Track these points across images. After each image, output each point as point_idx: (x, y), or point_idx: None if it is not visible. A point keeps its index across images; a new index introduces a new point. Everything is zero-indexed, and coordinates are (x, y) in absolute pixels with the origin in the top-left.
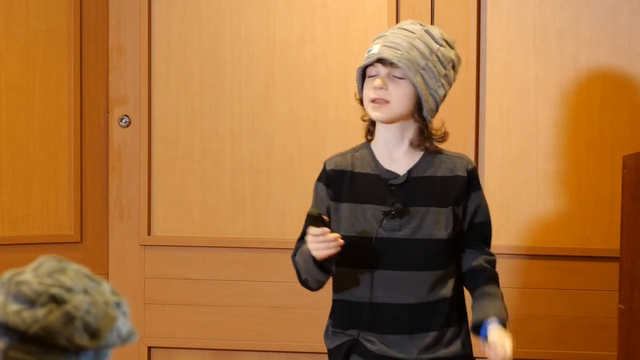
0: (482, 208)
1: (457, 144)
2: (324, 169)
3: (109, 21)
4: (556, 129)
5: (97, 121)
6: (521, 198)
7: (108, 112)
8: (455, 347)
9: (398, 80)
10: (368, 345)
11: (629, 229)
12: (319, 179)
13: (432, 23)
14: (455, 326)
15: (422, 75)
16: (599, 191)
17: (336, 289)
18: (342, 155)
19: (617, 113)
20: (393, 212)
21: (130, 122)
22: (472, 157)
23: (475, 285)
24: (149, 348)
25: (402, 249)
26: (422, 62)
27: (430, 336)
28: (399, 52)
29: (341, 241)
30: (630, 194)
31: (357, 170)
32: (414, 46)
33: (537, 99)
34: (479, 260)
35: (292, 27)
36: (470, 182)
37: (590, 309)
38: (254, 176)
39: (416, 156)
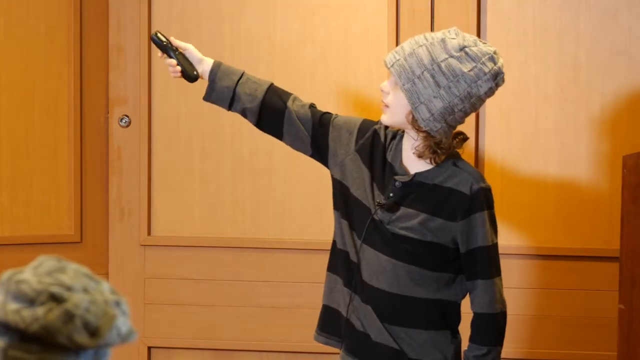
0: (482, 232)
1: None
2: (375, 126)
3: (109, 21)
4: (556, 129)
5: (97, 121)
6: (521, 198)
7: (108, 112)
8: (424, 349)
9: (398, 86)
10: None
11: (629, 229)
12: (366, 121)
13: (432, 23)
14: (430, 330)
15: (414, 84)
16: (599, 191)
17: (335, 236)
18: (391, 131)
19: (617, 113)
20: (384, 205)
21: (130, 122)
22: (472, 158)
23: (470, 337)
24: (149, 348)
25: (390, 239)
26: (418, 71)
27: (399, 330)
28: (397, 57)
29: (178, 73)
30: (630, 194)
31: (387, 152)
32: (415, 53)
33: (537, 99)
34: (474, 304)
35: (292, 27)
36: (473, 202)
37: (590, 309)
38: (254, 176)
39: (429, 163)
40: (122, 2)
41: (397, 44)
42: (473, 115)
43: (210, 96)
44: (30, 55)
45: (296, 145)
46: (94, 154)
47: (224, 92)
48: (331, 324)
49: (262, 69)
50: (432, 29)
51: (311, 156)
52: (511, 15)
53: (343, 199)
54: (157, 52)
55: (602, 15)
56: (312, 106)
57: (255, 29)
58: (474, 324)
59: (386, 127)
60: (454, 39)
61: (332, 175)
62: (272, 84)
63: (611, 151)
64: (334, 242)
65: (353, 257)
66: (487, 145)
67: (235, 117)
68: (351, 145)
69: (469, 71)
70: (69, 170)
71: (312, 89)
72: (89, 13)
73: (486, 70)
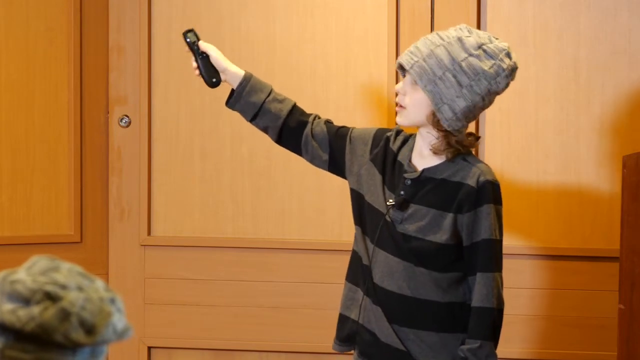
0: (486, 224)
1: None
2: (387, 133)
3: (109, 21)
4: (556, 129)
5: (97, 121)
6: (521, 198)
7: (108, 112)
8: (432, 351)
9: (416, 86)
10: (365, 335)
11: (629, 229)
12: (379, 130)
13: (432, 23)
14: (442, 332)
15: (436, 85)
16: (599, 191)
17: (355, 243)
18: (402, 135)
19: (617, 113)
20: (394, 204)
21: (130, 122)
22: None
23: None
24: (149, 348)
25: (400, 241)
26: (439, 72)
27: (409, 332)
28: (415, 58)
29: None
30: (630, 194)
31: (398, 154)
32: (434, 54)
33: (537, 99)
34: (472, 298)
35: (292, 26)
36: (479, 194)
37: (590, 309)
38: (254, 176)
39: (441, 158)
40: (122, 2)
41: (397, 44)
42: None
43: (234, 106)
44: (30, 55)
45: (315, 163)
46: (94, 154)
47: (250, 106)
48: (347, 331)
49: (262, 69)
50: (432, 29)
51: (330, 171)
52: (511, 15)
53: (358, 206)
54: (184, 48)
55: (602, 15)
56: (328, 122)
57: (255, 29)
58: (471, 318)
59: (397, 133)
60: (469, 36)
61: (349, 186)
62: (295, 105)
63: (611, 151)
64: (354, 251)
65: (365, 261)
66: (487, 145)
67: (235, 117)
68: (366, 155)
69: (489, 68)
70: (69, 170)
71: (312, 89)
72: (89, 13)
73: (504, 66)
